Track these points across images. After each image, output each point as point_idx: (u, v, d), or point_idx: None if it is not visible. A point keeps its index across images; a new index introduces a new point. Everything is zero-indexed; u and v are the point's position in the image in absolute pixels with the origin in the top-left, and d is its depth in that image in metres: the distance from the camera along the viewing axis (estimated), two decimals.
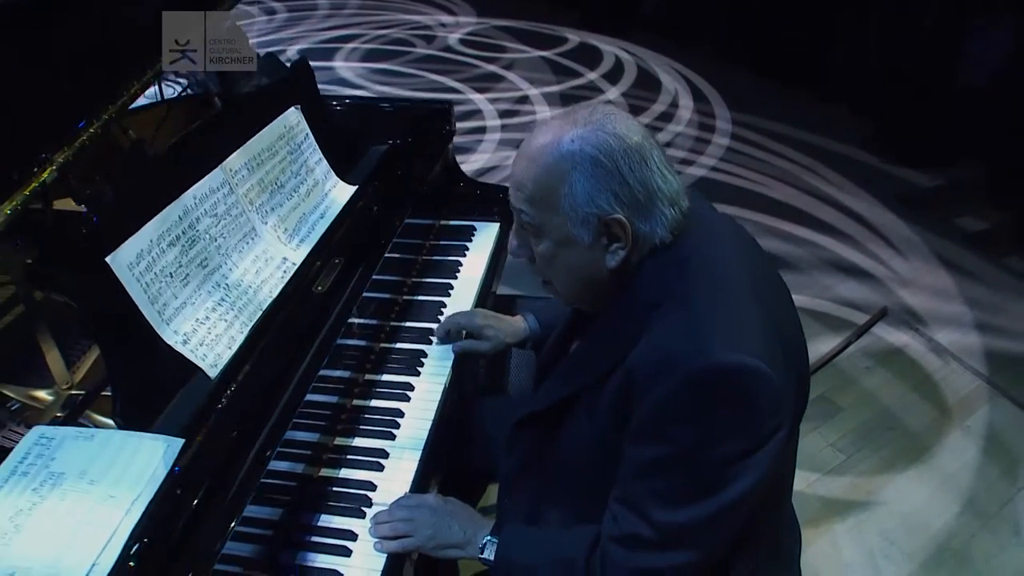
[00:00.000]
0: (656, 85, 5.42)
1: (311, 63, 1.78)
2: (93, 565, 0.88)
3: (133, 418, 1.07)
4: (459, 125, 4.81)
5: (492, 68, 5.62)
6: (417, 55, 5.81)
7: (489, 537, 1.19)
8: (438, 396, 1.52)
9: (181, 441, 1.02)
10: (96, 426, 1.15)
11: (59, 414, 1.21)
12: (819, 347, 2.89)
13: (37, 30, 1.30)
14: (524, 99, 5.12)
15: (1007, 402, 2.66)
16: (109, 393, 1.13)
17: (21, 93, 1.26)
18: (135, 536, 0.91)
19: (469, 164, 4.22)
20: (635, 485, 1.03)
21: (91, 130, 1.23)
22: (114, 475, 0.98)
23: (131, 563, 0.89)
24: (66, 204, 1.38)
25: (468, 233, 2.04)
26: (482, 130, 4.68)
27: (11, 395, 1.24)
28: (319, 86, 1.81)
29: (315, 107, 1.71)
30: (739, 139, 4.63)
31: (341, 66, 5.57)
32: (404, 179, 1.84)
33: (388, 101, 2.19)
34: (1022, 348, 2.95)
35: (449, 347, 1.60)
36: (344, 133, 1.81)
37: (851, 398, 2.70)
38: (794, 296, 1.19)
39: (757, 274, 1.09)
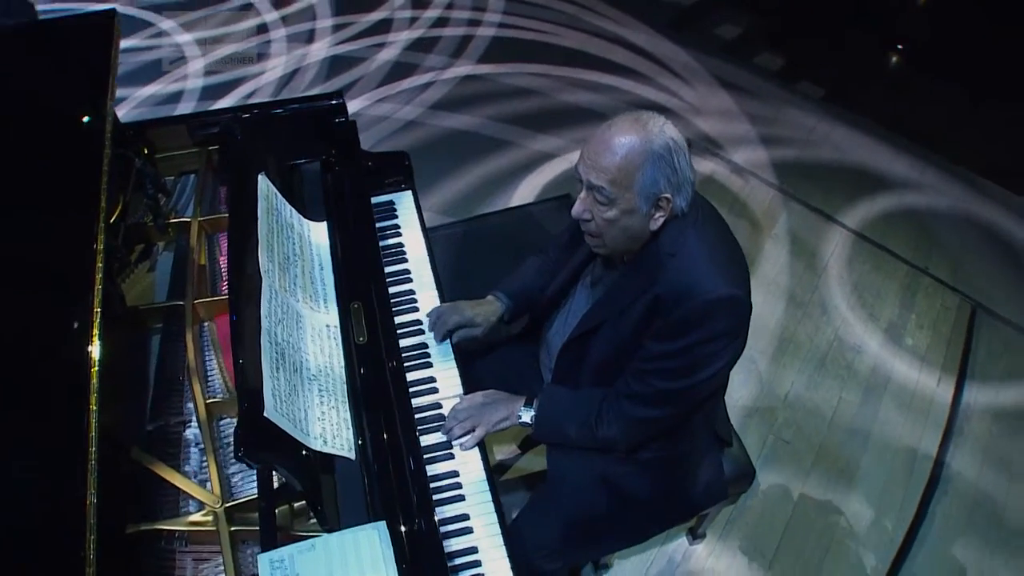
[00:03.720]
0: None
1: None
2: None
3: (329, 519, 1.35)
4: (236, 28, 4.55)
5: None
6: None
7: (524, 407, 1.70)
8: (458, 379, 1.86)
9: (383, 522, 1.34)
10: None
11: (233, 528, 1.42)
12: None
13: None
14: None
15: (797, 204, 3.45)
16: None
17: None
18: None
19: (273, 73, 4.10)
20: (648, 364, 1.55)
21: None
22: (356, 569, 1.29)
23: None
24: None
25: (391, 209, 2.25)
26: (263, 28, 4.45)
27: (173, 528, 1.43)
28: None
29: (264, 158, 1.80)
30: None
31: None
32: (352, 194, 2.00)
33: (278, 108, 2.19)
34: (796, 152, 3.74)
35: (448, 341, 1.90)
36: (280, 167, 1.92)
37: None
38: None
39: (725, 227, 1.60)
